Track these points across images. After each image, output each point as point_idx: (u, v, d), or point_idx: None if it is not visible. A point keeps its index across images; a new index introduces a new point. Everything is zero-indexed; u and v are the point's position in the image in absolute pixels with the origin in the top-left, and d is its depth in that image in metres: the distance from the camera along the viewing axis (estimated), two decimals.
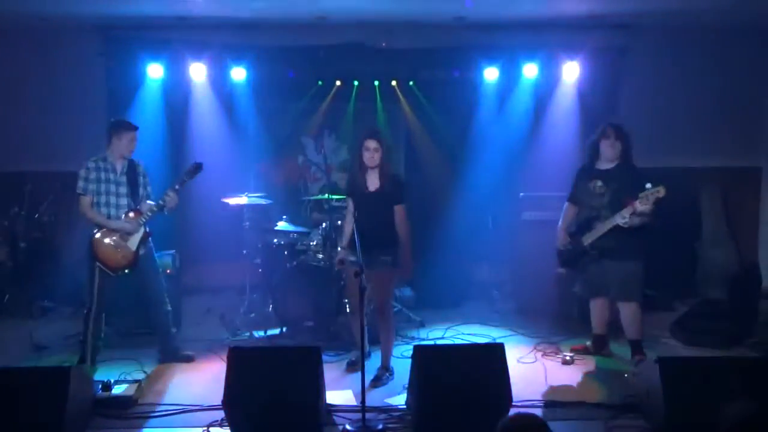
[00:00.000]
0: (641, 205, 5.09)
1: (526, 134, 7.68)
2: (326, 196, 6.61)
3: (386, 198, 5.10)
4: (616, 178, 5.37)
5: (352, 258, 5.26)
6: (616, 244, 5.33)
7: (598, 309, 5.74)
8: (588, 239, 5.48)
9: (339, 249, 5.50)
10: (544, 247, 6.44)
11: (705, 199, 7.87)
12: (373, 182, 5.17)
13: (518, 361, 5.55)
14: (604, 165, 5.50)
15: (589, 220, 5.50)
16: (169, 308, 5.65)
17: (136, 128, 5.45)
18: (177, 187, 5.46)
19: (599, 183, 5.45)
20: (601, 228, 5.37)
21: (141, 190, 5.52)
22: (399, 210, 5.11)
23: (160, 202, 5.42)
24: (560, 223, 5.75)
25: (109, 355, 5.56)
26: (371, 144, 5.05)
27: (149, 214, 5.42)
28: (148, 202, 5.51)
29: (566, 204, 5.78)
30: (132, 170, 5.48)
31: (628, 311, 5.46)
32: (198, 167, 5.53)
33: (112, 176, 5.39)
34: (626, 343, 5.63)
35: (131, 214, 5.39)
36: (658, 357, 4.45)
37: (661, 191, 5.04)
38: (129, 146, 5.41)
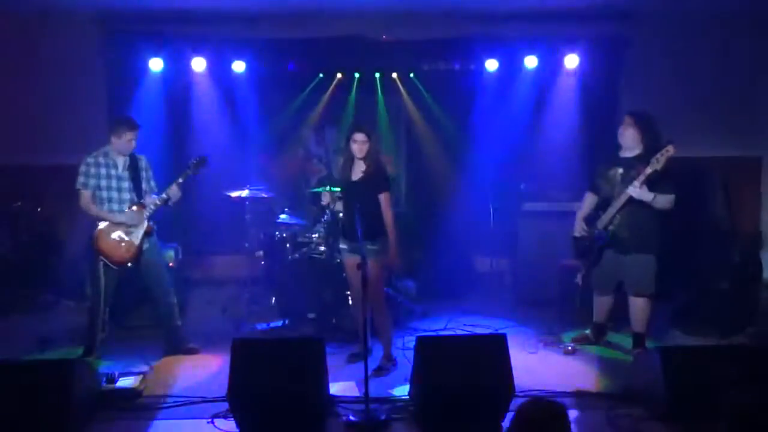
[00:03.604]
0: (651, 168, 4.99)
1: (527, 125, 7.67)
2: (327, 188, 6.61)
3: (369, 187, 5.15)
4: (635, 166, 5.24)
5: (344, 246, 5.32)
6: (631, 234, 5.26)
7: (603, 302, 5.73)
8: (602, 221, 5.39)
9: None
10: (545, 238, 6.46)
11: (705, 188, 7.86)
12: (357, 172, 5.23)
13: (520, 351, 5.56)
14: (626, 153, 5.40)
15: (605, 206, 5.41)
16: (175, 301, 5.67)
17: (137, 127, 5.44)
18: (180, 180, 5.48)
19: (620, 170, 5.35)
20: (615, 205, 5.27)
21: (144, 185, 5.53)
22: (383, 198, 5.15)
23: (164, 195, 5.44)
24: (579, 212, 5.69)
25: (113, 347, 5.59)
26: (358, 137, 5.16)
27: (153, 207, 5.43)
28: (152, 195, 5.52)
29: (587, 193, 5.71)
30: (134, 165, 5.48)
31: (638, 305, 5.41)
32: (202, 161, 5.56)
33: (113, 171, 5.40)
34: (627, 333, 5.65)
35: (134, 208, 5.41)
36: (659, 346, 4.48)
37: (671, 149, 4.94)
38: (128, 145, 5.41)
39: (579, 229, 5.63)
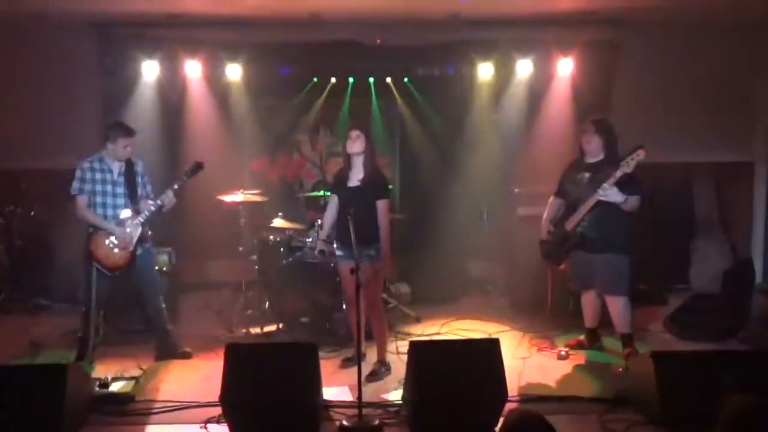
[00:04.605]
0: (621, 171, 5.08)
1: (521, 130, 7.70)
2: (321, 192, 6.63)
3: (367, 193, 5.15)
4: (602, 169, 5.32)
5: (340, 252, 5.31)
6: (599, 234, 5.31)
7: (589, 302, 5.76)
8: (570, 223, 5.45)
9: (318, 240, 5.54)
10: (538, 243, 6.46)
11: (698, 194, 7.90)
12: (354, 177, 5.23)
13: (513, 356, 5.57)
14: (591, 159, 5.49)
15: (573, 209, 5.47)
16: (163, 305, 5.66)
17: (133, 134, 5.43)
18: (176, 187, 5.46)
19: (587, 174, 5.43)
20: (583, 209, 5.34)
21: (140, 190, 5.51)
22: (381, 206, 5.15)
23: (159, 202, 5.42)
24: (544, 216, 5.75)
25: (106, 352, 5.58)
26: (353, 133, 5.18)
27: (147, 213, 5.41)
28: (147, 201, 5.50)
29: (551, 198, 5.77)
30: (130, 170, 5.46)
31: (615, 305, 5.44)
32: (198, 166, 5.53)
33: (108, 177, 5.39)
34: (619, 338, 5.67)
35: (128, 214, 5.39)
36: (652, 351, 4.49)
37: (641, 153, 5.03)
38: (124, 151, 5.39)
39: (545, 231, 5.69)
